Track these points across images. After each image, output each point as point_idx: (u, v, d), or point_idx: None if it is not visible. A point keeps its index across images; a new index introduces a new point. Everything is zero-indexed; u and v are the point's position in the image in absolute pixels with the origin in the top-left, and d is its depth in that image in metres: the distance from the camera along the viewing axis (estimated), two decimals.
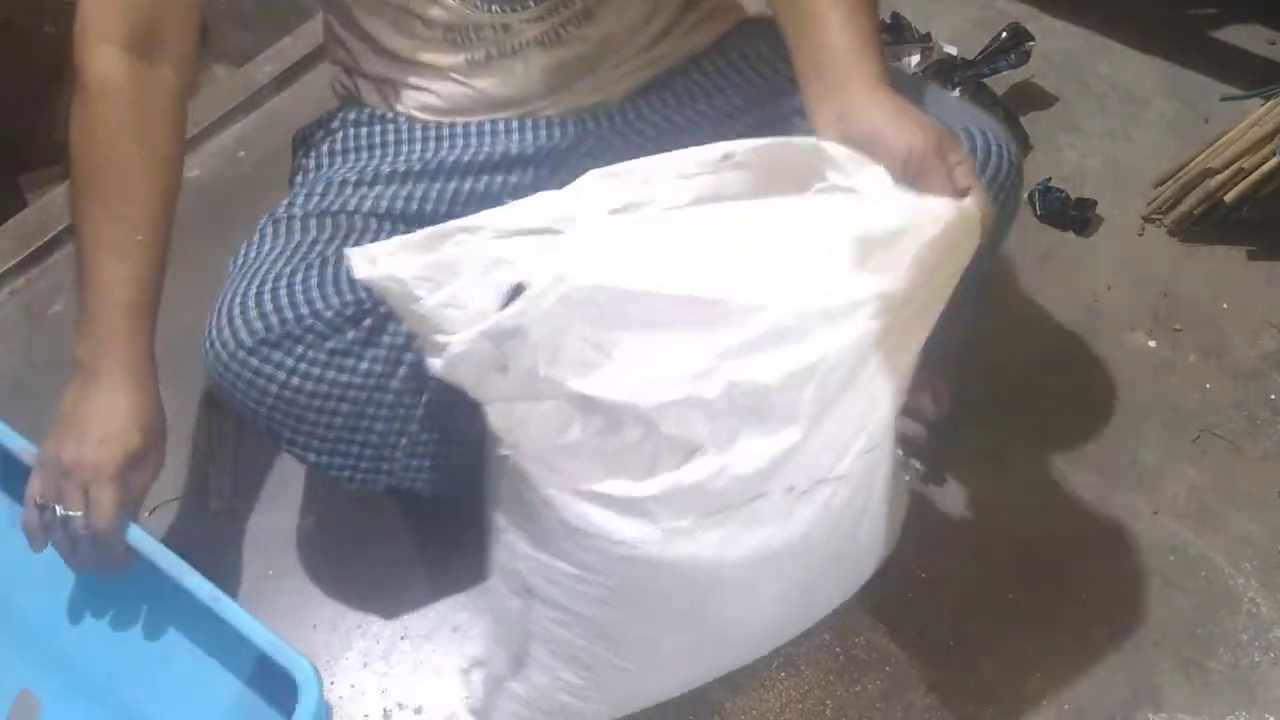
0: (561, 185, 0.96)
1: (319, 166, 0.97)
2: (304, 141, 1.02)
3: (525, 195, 0.94)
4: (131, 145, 0.82)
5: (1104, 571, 1.06)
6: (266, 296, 0.83)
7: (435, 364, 0.65)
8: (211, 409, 1.12)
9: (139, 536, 0.85)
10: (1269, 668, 0.98)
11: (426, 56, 0.94)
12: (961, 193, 0.70)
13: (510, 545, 0.76)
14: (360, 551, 1.08)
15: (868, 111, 0.72)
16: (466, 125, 0.96)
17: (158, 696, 0.91)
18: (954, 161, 0.70)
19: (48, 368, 1.17)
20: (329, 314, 0.82)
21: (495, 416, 0.68)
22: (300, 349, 0.82)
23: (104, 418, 0.82)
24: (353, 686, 0.99)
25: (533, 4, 0.91)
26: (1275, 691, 0.96)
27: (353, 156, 0.96)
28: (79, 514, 0.81)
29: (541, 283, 0.62)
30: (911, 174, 0.70)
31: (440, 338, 0.64)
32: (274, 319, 0.82)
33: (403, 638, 1.03)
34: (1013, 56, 1.39)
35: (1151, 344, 1.23)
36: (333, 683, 0.99)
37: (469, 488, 0.80)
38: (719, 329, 0.64)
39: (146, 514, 1.06)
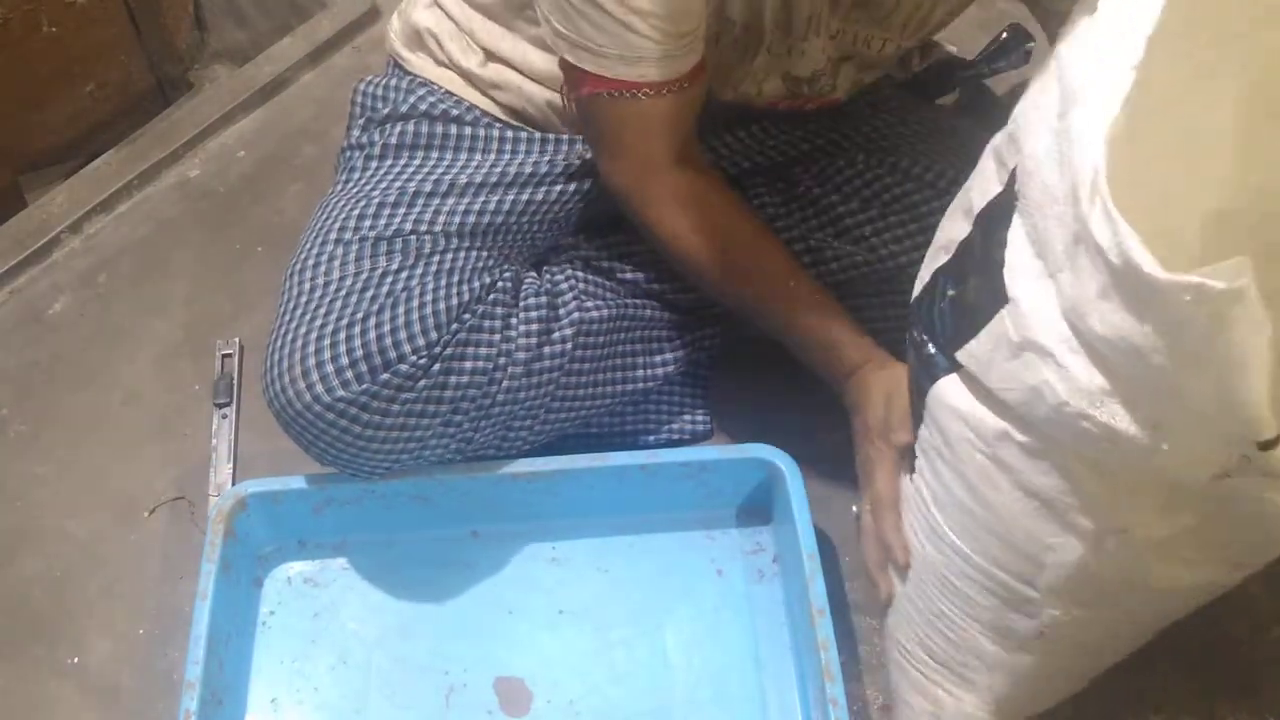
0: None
1: (384, 157, 0.96)
2: (365, 114, 1.01)
3: (585, 205, 0.98)
4: (754, 223, 0.91)
5: None
6: (342, 348, 0.82)
7: None
8: (210, 406, 1.12)
9: None
10: (1269, 668, 0.98)
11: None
12: None
13: (1018, 605, 0.77)
14: None
15: None
16: (546, 135, 0.98)
17: None
18: None
19: (48, 368, 1.17)
20: (404, 367, 0.83)
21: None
22: (376, 404, 0.83)
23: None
24: None
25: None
26: (1275, 691, 0.96)
27: (420, 155, 0.96)
28: None
29: None
30: None
31: None
32: (350, 375, 0.82)
33: None
34: (1013, 56, 1.38)
35: None
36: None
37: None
38: None
39: (146, 514, 1.06)
